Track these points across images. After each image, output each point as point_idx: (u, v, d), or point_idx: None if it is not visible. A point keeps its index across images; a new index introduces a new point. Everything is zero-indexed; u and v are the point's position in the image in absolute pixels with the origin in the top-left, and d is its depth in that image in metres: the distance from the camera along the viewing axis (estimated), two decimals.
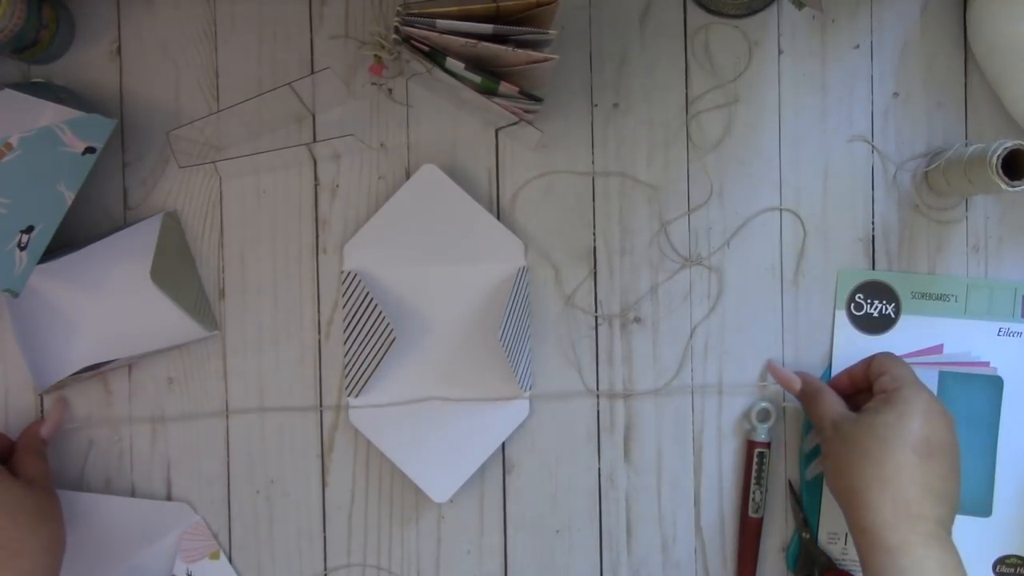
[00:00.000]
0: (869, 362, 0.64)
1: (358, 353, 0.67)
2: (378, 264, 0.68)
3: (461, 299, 0.69)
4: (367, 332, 0.67)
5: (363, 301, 0.67)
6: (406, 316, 0.68)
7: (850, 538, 0.68)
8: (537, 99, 0.62)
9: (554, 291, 0.69)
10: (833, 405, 0.63)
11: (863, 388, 0.65)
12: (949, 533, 0.57)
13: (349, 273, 0.68)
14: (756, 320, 0.69)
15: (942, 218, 0.70)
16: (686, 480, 0.69)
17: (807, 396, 0.65)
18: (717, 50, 0.69)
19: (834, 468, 0.60)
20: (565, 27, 0.69)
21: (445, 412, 0.68)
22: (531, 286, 0.69)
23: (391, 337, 0.65)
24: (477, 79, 0.60)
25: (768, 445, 0.68)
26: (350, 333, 0.68)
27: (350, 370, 0.68)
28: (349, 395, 0.68)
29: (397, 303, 0.68)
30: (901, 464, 0.57)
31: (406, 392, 0.68)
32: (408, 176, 0.69)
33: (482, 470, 0.68)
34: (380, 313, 0.67)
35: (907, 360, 0.68)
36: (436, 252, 0.68)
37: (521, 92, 0.61)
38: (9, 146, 0.57)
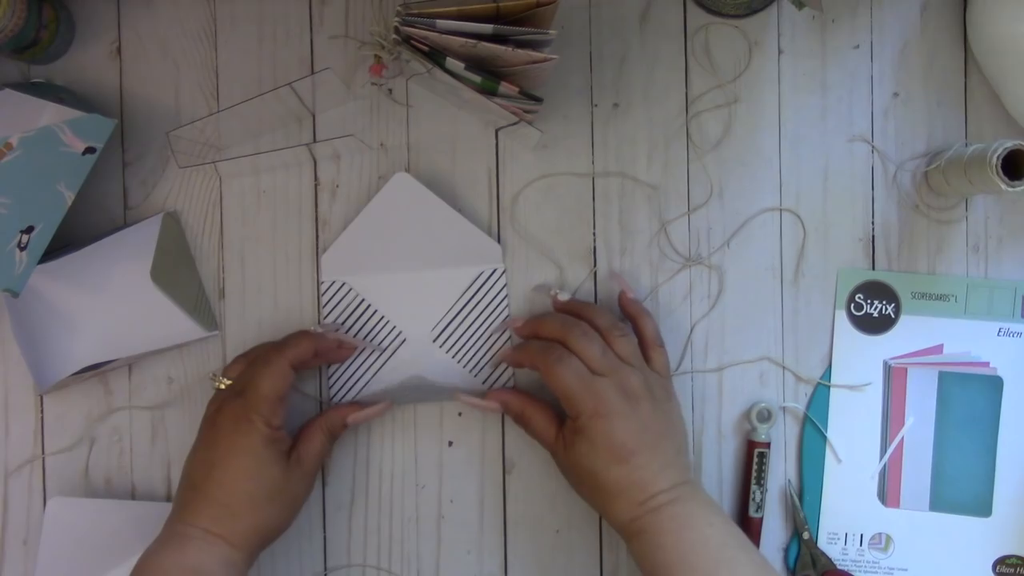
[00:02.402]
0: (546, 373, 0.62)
1: (350, 363, 0.68)
2: (355, 273, 0.68)
3: (440, 304, 0.69)
4: (363, 337, 0.68)
5: (355, 309, 0.68)
6: (384, 323, 0.68)
7: (851, 537, 0.69)
8: (537, 99, 0.62)
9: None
10: (544, 430, 0.64)
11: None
12: (688, 469, 0.62)
13: (333, 283, 0.68)
14: (756, 320, 0.69)
15: (942, 218, 0.70)
16: None
17: (515, 417, 0.66)
18: (717, 50, 0.69)
19: (570, 482, 0.64)
20: (565, 27, 0.69)
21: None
22: (530, 286, 0.69)
23: (401, 337, 0.66)
24: (477, 79, 0.60)
25: (768, 445, 0.68)
26: None
27: (335, 382, 0.68)
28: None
29: (376, 310, 0.68)
30: (616, 478, 0.59)
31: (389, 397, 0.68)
32: None
33: (482, 470, 0.69)
34: (382, 317, 0.67)
35: (907, 360, 0.69)
36: (413, 258, 0.68)
37: (521, 92, 0.61)
38: (9, 146, 0.57)
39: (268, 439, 0.60)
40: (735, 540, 0.58)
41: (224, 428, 0.60)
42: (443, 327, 0.68)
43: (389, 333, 0.68)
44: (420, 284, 0.68)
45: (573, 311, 0.65)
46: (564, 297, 0.67)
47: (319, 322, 0.68)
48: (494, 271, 0.68)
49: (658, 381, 0.63)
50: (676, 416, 0.63)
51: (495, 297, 0.68)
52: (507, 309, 0.69)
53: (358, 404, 0.66)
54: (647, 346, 0.65)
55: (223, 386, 0.63)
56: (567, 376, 0.60)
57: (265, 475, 0.59)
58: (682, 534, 0.58)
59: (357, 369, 0.68)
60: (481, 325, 0.68)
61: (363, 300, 0.68)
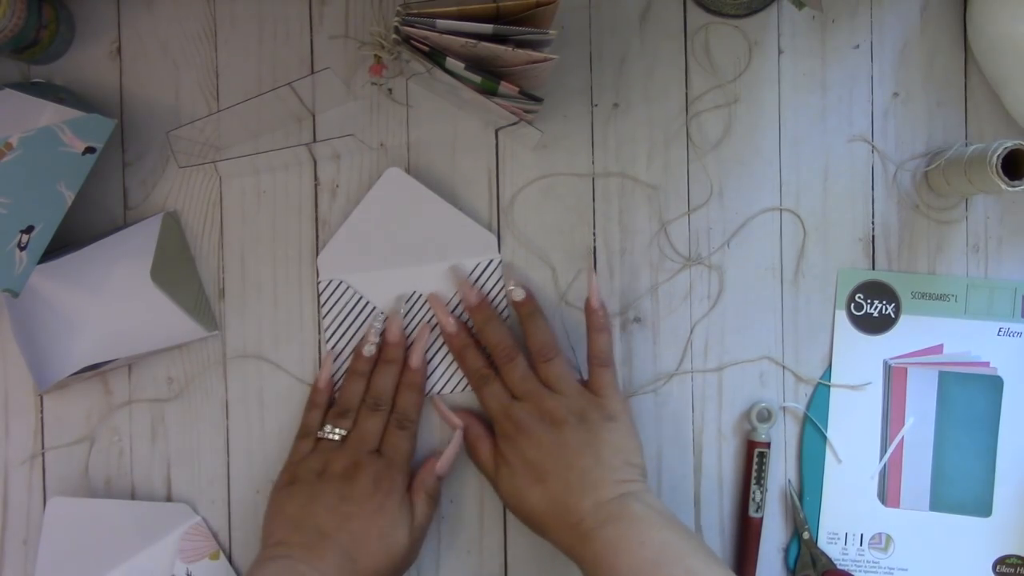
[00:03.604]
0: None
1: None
2: (353, 272, 0.68)
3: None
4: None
5: (355, 308, 0.68)
6: (385, 320, 0.68)
7: (851, 537, 0.69)
8: (537, 99, 0.62)
9: (552, 291, 0.69)
10: (487, 461, 0.65)
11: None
12: (626, 483, 0.60)
13: (331, 282, 0.68)
14: (756, 320, 0.69)
15: (942, 218, 0.70)
16: (686, 480, 0.69)
17: (467, 444, 0.67)
18: (717, 50, 0.69)
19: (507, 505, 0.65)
20: (565, 27, 0.69)
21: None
22: (530, 286, 0.69)
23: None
24: (477, 79, 0.60)
25: (768, 445, 0.68)
26: (337, 343, 0.68)
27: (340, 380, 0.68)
28: None
29: (375, 308, 0.68)
30: (536, 500, 0.61)
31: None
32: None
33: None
34: (382, 316, 0.67)
35: (907, 360, 0.69)
36: (409, 254, 0.68)
37: (521, 92, 0.61)
38: (9, 146, 0.57)
39: (403, 500, 0.63)
40: (669, 552, 0.56)
41: (365, 486, 0.62)
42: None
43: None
44: (418, 279, 0.68)
45: (518, 318, 0.66)
46: (518, 296, 0.66)
47: (319, 322, 0.69)
48: (491, 262, 0.68)
49: (593, 402, 0.63)
50: (614, 435, 0.62)
51: (492, 287, 0.68)
52: (504, 300, 0.69)
53: (433, 458, 0.66)
54: (590, 363, 0.65)
55: (336, 438, 0.64)
56: (488, 399, 0.65)
57: (396, 536, 0.62)
58: (615, 562, 0.56)
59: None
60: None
61: (361, 298, 0.68)
